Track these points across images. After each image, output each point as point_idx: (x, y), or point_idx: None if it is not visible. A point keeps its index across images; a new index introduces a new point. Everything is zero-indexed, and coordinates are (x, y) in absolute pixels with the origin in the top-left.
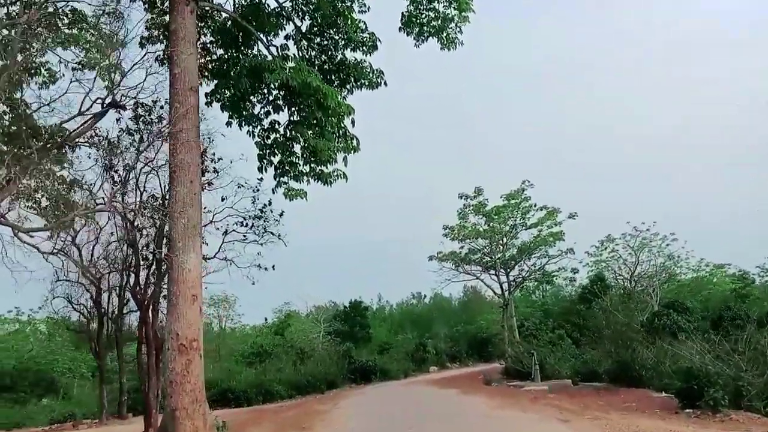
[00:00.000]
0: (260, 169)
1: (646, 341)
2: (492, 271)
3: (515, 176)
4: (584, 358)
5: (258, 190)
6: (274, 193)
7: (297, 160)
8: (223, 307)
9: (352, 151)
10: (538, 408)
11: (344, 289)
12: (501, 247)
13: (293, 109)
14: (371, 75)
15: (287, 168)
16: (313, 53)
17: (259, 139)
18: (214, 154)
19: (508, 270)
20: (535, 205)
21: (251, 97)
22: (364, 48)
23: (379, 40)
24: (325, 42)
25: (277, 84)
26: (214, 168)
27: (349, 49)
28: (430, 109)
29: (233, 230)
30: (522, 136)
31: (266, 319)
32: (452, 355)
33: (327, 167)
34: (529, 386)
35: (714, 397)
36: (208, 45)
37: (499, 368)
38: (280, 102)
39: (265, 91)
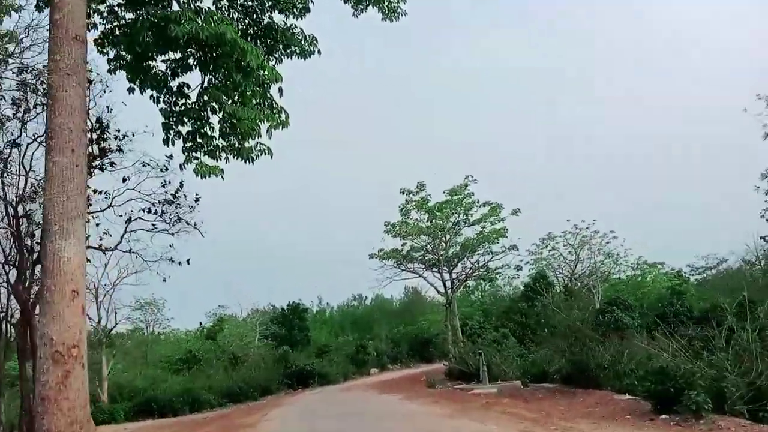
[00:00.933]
0: (166, 142)
1: (598, 339)
2: (435, 269)
3: (466, 168)
4: (532, 357)
5: (167, 168)
6: (182, 169)
7: (211, 132)
8: (150, 311)
9: (280, 126)
10: (495, 417)
11: (284, 292)
12: (444, 245)
13: (207, 71)
14: (302, 42)
15: (199, 141)
16: (236, 15)
17: (165, 106)
18: (118, 131)
19: (451, 268)
20: (477, 201)
21: (156, 57)
22: (295, 11)
23: (312, 2)
24: (250, 3)
25: (184, 38)
26: (118, 146)
27: (276, 12)
28: (378, 89)
29: (138, 217)
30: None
31: (201, 324)
32: (393, 356)
33: (248, 141)
34: (477, 389)
35: (696, 401)
36: (116, 8)
37: (442, 369)
38: (191, 62)
39: (172, 49)
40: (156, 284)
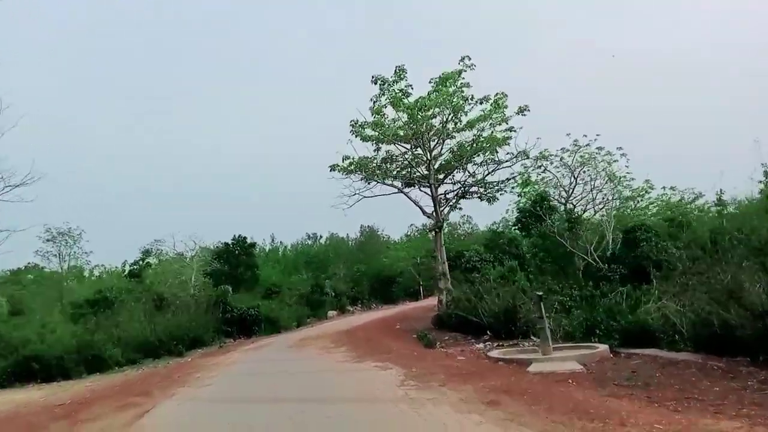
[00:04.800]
0: None
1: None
2: (423, 183)
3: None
4: (610, 302)
5: None
6: None
7: None
8: (63, 242)
9: None
10: None
11: (234, 231)
12: (428, 153)
13: None
14: None
15: None
16: None
17: None
18: None
19: (438, 183)
20: (471, 98)
21: None
22: None
23: None
24: None
25: None
26: None
27: None
28: None
29: None
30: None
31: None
32: (353, 297)
33: None
34: (539, 362)
35: None
36: None
37: (413, 312)
38: None
39: None
40: (74, 211)
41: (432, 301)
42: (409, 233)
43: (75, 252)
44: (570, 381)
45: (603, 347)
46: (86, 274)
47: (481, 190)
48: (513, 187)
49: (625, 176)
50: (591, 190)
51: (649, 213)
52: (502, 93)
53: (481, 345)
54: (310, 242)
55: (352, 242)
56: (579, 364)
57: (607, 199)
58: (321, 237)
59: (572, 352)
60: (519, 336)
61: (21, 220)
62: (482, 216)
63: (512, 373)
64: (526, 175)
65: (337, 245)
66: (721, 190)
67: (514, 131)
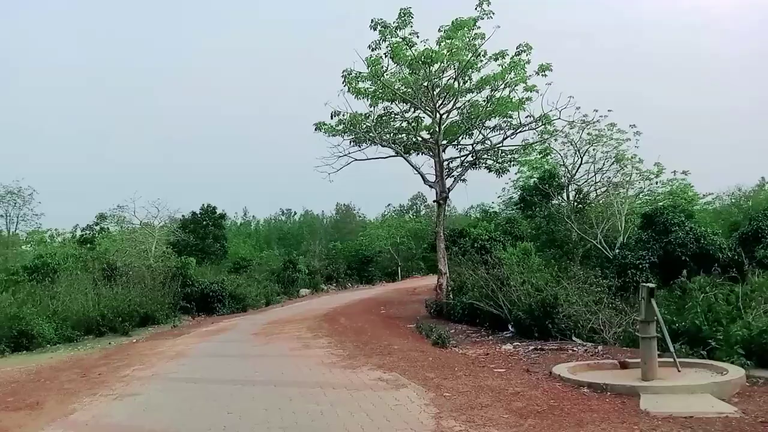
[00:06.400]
0: None
1: None
2: (419, 150)
3: None
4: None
5: None
6: None
7: None
8: (12, 203)
9: None
10: None
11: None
12: (436, 113)
13: None
14: None
15: None
16: None
17: None
18: None
19: (442, 148)
20: (485, 53)
21: None
22: None
23: None
24: None
25: None
26: None
27: None
28: None
29: None
30: None
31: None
32: (328, 275)
33: None
34: (657, 396)
35: None
36: None
37: (393, 294)
38: None
39: None
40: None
41: (411, 283)
42: (385, 213)
43: (25, 213)
44: None
45: (736, 371)
46: (48, 239)
47: (492, 158)
48: (532, 155)
49: (634, 156)
50: (597, 171)
51: (640, 201)
52: (526, 44)
53: (510, 346)
54: (283, 218)
55: (327, 220)
56: (717, 398)
57: (614, 182)
58: (295, 213)
59: (694, 378)
60: (558, 336)
61: None
62: (458, 199)
63: (619, 414)
64: (545, 144)
65: (312, 222)
66: None
67: (536, 91)
